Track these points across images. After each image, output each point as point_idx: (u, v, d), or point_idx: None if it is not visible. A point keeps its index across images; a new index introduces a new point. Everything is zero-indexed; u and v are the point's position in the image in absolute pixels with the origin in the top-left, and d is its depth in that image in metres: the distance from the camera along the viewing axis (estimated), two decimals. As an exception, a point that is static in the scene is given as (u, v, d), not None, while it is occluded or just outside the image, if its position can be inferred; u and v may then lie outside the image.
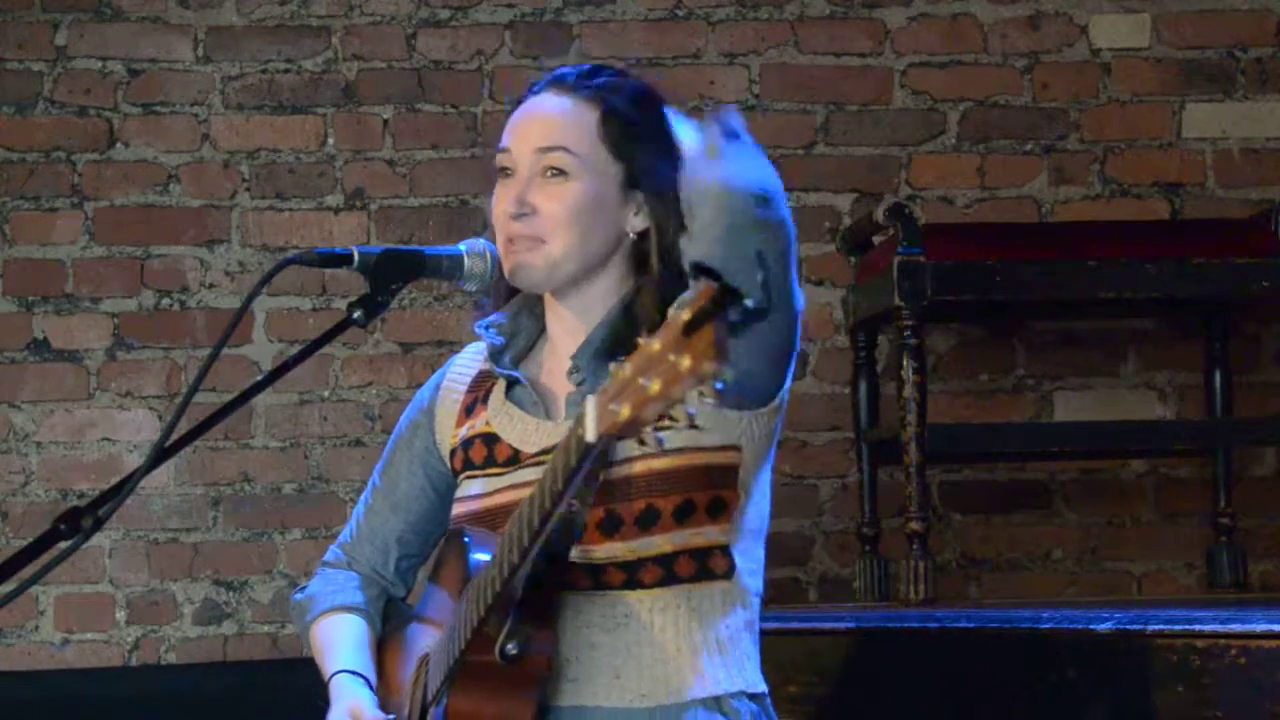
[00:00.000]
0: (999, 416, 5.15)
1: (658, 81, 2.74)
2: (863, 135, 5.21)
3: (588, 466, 2.20)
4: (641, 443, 2.00)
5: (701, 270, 1.94)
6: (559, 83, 2.60)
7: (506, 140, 2.59)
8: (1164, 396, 5.21)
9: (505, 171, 2.59)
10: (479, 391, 2.69)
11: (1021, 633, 3.37)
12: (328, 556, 2.83)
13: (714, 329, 1.89)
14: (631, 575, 2.50)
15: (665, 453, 2.45)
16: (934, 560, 4.48)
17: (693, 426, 1.95)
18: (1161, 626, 3.09)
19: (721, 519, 2.53)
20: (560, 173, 2.55)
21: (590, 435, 2.06)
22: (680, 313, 1.92)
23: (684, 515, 2.50)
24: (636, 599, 2.51)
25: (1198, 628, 3.03)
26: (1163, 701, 3.04)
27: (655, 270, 2.58)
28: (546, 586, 2.40)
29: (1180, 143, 5.25)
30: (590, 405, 2.05)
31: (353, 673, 2.67)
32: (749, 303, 1.92)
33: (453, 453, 2.68)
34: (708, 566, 2.53)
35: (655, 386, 1.93)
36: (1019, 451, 4.96)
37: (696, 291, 1.93)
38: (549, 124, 2.56)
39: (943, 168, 5.22)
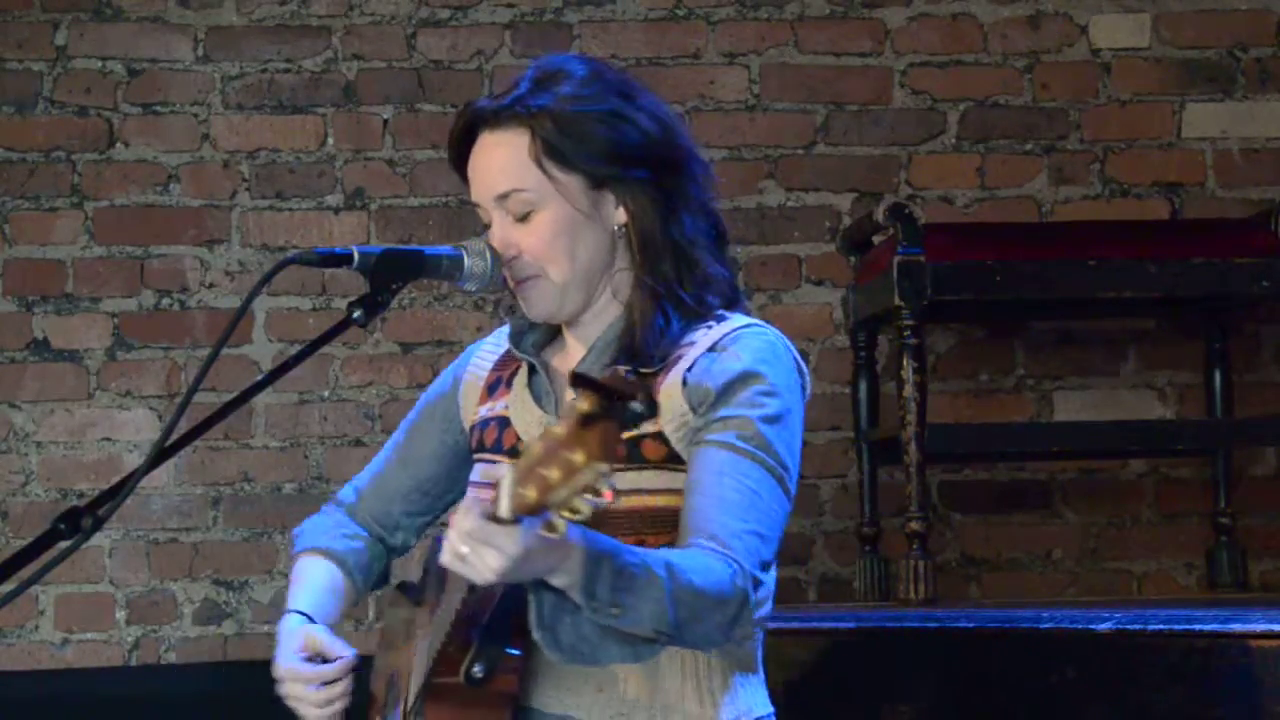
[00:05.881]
0: (999, 416, 5.15)
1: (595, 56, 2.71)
2: (863, 135, 5.21)
3: None
4: (550, 527, 2.08)
5: (583, 380, 1.98)
6: (485, 120, 2.56)
7: (473, 195, 2.59)
8: (1164, 396, 5.21)
9: (488, 224, 2.59)
10: (504, 371, 2.69)
11: (1021, 633, 3.37)
12: (340, 493, 2.84)
13: (603, 429, 1.97)
14: None
15: (654, 491, 2.47)
16: (934, 560, 4.48)
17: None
18: (1161, 626, 3.10)
19: None
20: (526, 213, 2.54)
21: (503, 512, 2.12)
22: (579, 402, 1.99)
23: None
24: None
25: (1198, 628, 3.03)
26: (1163, 701, 3.04)
27: (638, 259, 2.56)
28: (518, 606, 2.38)
29: (1180, 143, 5.25)
30: (506, 482, 2.11)
31: (302, 614, 2.67)
32: (636, 406, 1.99)
33: (471, 430, 2.69)
34: None
35: (554, 476, 2.02)
36: (1019, 451, 4.96)
37: (584, 393, 1.99)
38: (492, 171, 2.55)
39: (943, 168, 5.22)
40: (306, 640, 2.61)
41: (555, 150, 2.52)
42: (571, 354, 2.64)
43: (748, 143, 5.19)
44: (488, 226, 2.58)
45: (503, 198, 2.54)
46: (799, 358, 2.56)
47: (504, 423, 2.63)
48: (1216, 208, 5.21)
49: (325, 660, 2.58)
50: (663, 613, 2.30)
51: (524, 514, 2.10)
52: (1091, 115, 5.24)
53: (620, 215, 2.56)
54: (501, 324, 2.79)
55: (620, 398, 1.98)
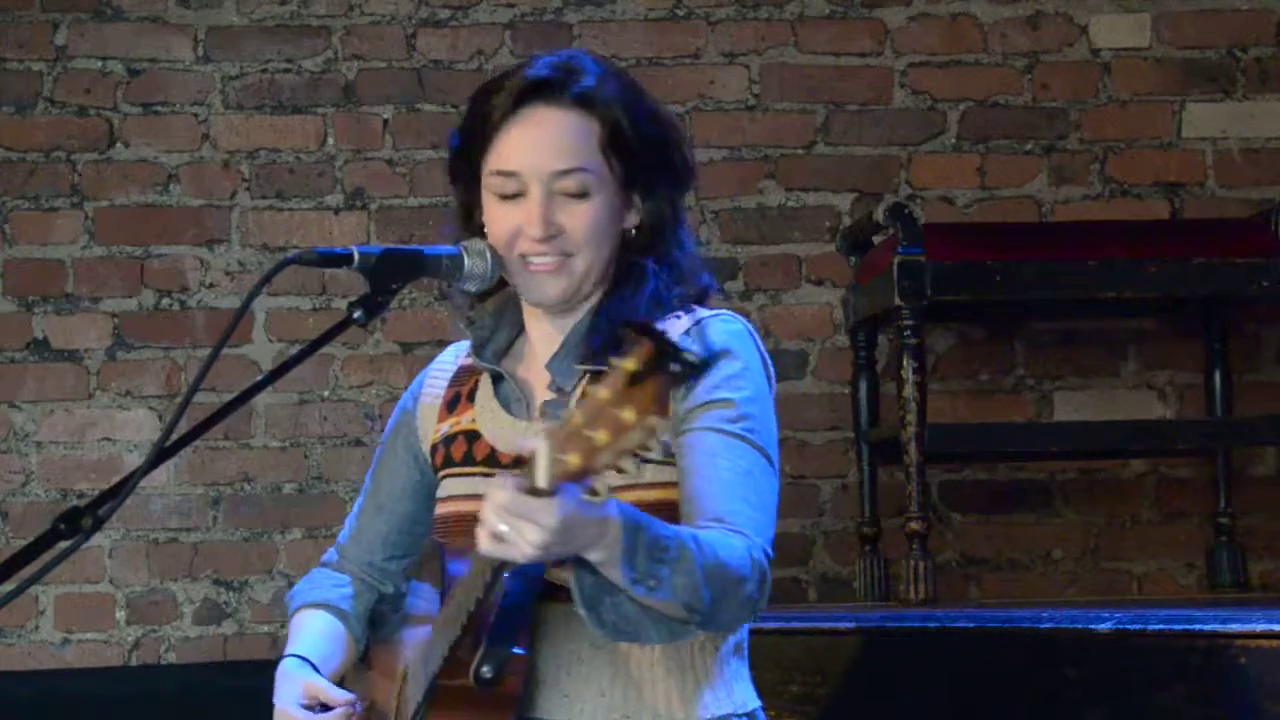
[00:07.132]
0: (999, 416, 5.15)
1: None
2: (863, 135, 5.21)
3: None
4: (594, 492, 2.06)
5: (637, 326, 1.97)
6: (548, 94, 2.54)
7: (512, 163, 2.54)
8: (1164, 396, 5.21)
9: (514, 196, 2.55)
10: (462, 387, 2.68)
11: (1021, 633, 3.37)
12: (325, 556, 2.84)
13: (656, 383, 1.95)
14: None
15: (649, 485, 2.46)
16: (934, 560, 4.48)
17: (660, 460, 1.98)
18: (1161, 626, 3.09)
19: None
20: (582, 193, 2.53)
21: (542, 482, 2.09)
22: (625, 362, 1.96)
23: None
24: None
25: (1198, 628, 3.03)
26: (1163, 701, 3.04)
27: (644, 257, 2.57)
28: (521, 607, 2.39)
29: (1180, 143, 5.25)
30: (542, 452, 2.08)
31: (299, 658, 2.66)
32: (691, 358, 1.97)
33: (434, 449, 2.67)
34: None
35: (602, 437, 1.98)
36: (1019, 451, 4.96)
37: (638, 345, 1.97)
38: (562, 146, 2.53)
39: (943, 168, 5.22)
40: (307, 689, 2.60)
41: (622, 142, 2.54)
42: (532, 357, 2.63)
43: (748, 143, 5.19)
44: (504, 198, 2.55)
45: (562, 174, 2.53)
46: (762, 345, 2.58)
47: (473, 435, 2.61)
48: (1216, 208, 5.21)
49: (325, 708, 2.59)
50: (695, 586, 2.31)
51: (564, 481, 2.06)
52: (1091, 115, 5.24)
53: (633, 217, 2.59)
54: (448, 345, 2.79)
55: (674, 353, 1.96)
